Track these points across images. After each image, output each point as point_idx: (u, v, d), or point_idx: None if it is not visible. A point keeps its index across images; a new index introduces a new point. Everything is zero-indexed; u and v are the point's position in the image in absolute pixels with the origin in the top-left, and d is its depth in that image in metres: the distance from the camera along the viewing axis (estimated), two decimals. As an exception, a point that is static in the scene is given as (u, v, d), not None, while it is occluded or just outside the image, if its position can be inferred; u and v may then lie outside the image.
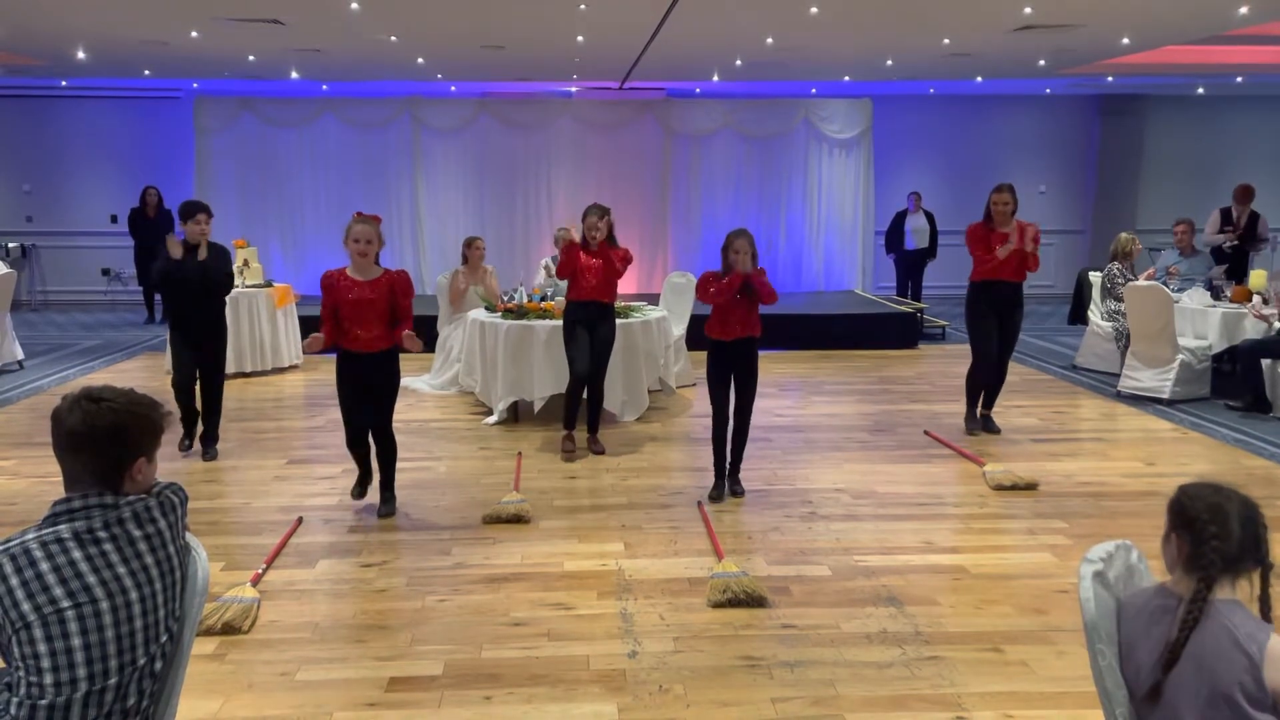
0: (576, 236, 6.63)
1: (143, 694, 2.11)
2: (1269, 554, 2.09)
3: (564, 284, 7.05)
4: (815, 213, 14.02)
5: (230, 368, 7.63)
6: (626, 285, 11.87)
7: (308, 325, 9.68)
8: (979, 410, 7.16)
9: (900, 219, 12.88)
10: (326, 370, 9.30)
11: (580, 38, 9.18)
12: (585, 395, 6.64)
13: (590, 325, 6.49)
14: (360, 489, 5.41)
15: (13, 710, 1.97)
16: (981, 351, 6.99)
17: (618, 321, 6.91)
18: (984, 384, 7.08)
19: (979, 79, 12.54)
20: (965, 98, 14.20)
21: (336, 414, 5.53)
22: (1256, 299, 7.98)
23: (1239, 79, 12.55)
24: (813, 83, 13.29)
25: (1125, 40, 9.33)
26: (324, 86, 13.24)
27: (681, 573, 4.53)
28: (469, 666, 3.66)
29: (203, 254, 6.23)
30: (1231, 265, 9.83)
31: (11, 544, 2.01)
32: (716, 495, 5.60)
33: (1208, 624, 2.05)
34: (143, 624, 2.08)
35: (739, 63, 10.89)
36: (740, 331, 5.49)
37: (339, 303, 5.03)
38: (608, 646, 3.80)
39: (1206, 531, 2.08)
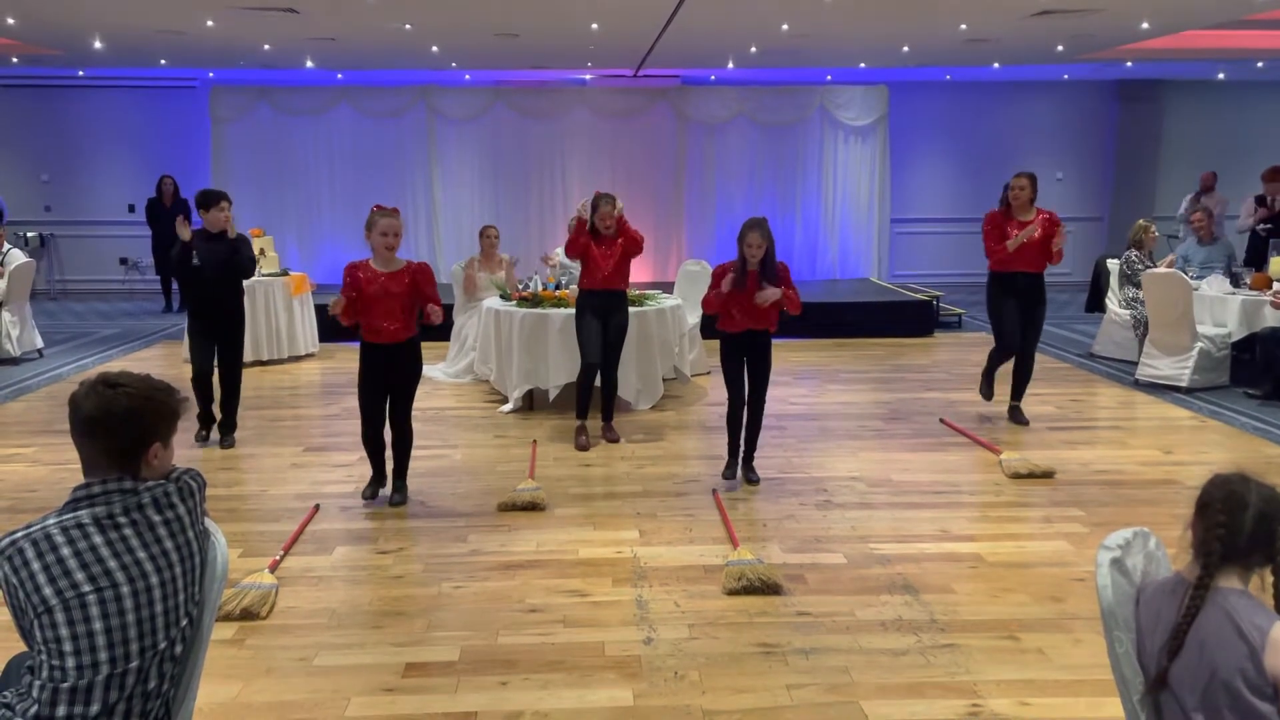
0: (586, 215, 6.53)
1: (163, 677, 2.13)
2: None
3: (577, 272, 7.04)
4: (831, 200, 13.96)
5: (247, 356, 7.66)
6: (640, 273, 11.90)
7: (324, 314, 9.72)
8: (1006, 400, 7.06)
9: None
10: (343, 358, 9.36)
11: (595, 25, 9.16)
12: (599, 384, 6.65)
13: (604, 314, 6.49)
14: (373, 489, 5.38)
15: (35, 693, 1.99)
16: (1006, 336, 6.81)
17: (631, 310, 6.91)
18: (1005, 362, 6.97)
19: (996, 65, 12.44)
20: (982, 84, 14.09)
21: (353, 402, 5.56)
22: (1277, 285, 7.90)
23: (1260, 64, 12.40)
24: (828, 69, 13.22)
25: (1145, 25, 9.24)
26: (339, 75, 13.26)
27: (696, 560, 4.53)
28: (485, 652, 3.67)
29: (232, 233, 6.30)
30: (1252, 252, 9.74)
31: (32, 529, 2.03)
32: (730, 474, 5.66)
33: (1211, 611, 2.04)
34: (163, 608, 2.10)
35: (754, 50, 10.84)
36: (743, 324, 5.49)
37: (361, 294, 5.06)
38: (623, 633, 3.82)
39: (1215, 519, 2.06)
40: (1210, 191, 11.74)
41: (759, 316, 5.48)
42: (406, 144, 13.56)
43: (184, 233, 6.22)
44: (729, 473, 5.70)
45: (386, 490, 5.43)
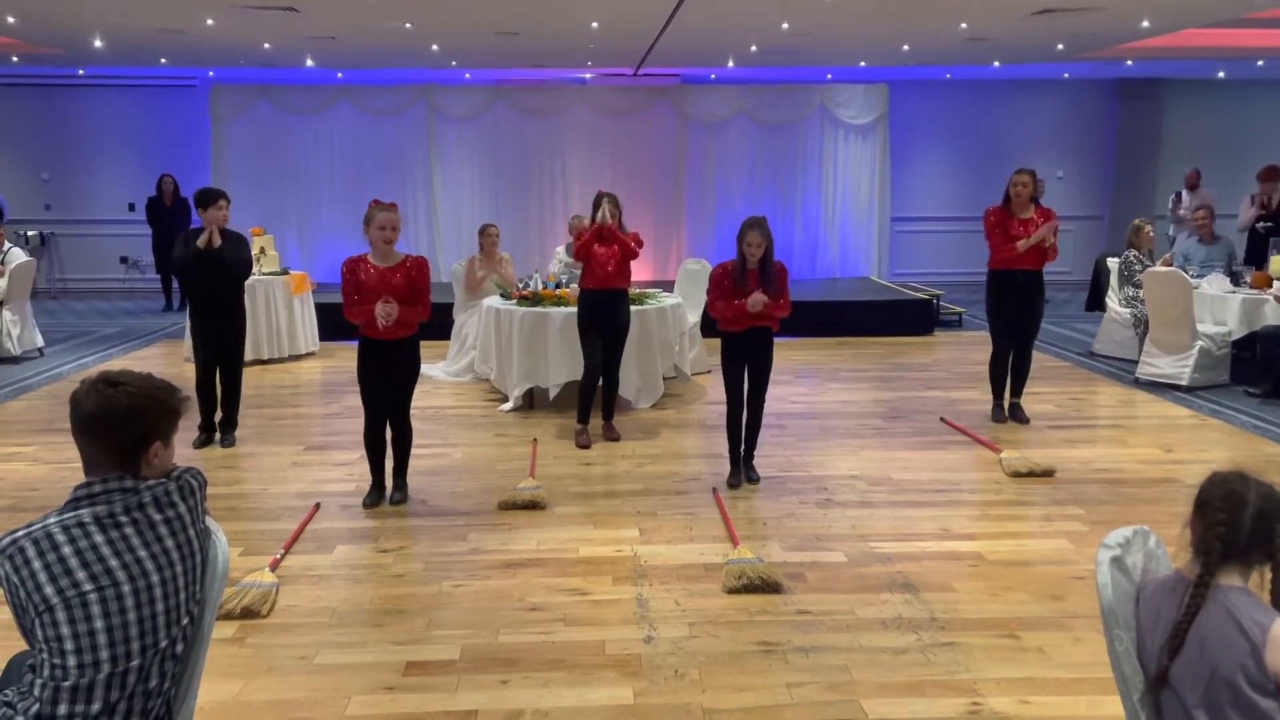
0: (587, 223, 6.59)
1: (164, 676, 2.14)
2: None
3: (579, 271, 7.05)
4: (831, 199, 13.96)
5: (247, 355, 7.64)
6: (641, 272, 11.88)
7: (324, 312, 9.73)
8: (1006, 400, 7.04)
9: None
10: (343, 357, 9.36)
11: (595, 24, 9.15)
12: (600, 384, 6.65)
13: (605, 313, 6.49)
14: (373, 498, 5.33)
15: (36, 691, 1.99)
16: (1002, 340, 6.90)
17: (632, 309, 6.92)
18: (1006, 373, 6.98)
19: (996, 64, 12.44)
20: (983, 82, 14.09)
21: (354, 401, 5.56)
22: (1277, 284, 7.90)
23: (1260, 63, 12.40)
24: (828, 68, 13.22)
25: (1145, 23, 9.23)
26: (339, 74, 13.25)
27: (697, 558, 4.53)
28: (485, 651, 3.68)
29: (216, 240, 6.28)
30: (1252, 251, 9.76)
31: (34, 528, 2.03)
32: (734, 483, 5.61)
33: (1212, 609, 2.04)
34: (164, 607, 2.10)
35: (754, 48, 10.84)
36: (745, 322, 5.48)
37: (360, 288, 5.06)
38: (623, 632, 3.82)
39: (1215, 518, 2.07)
40: (1195, 189, 11.91)
41: (761, 315, 5.48)
42: (406, 142, 13.56)
43: (216, 239, 6.19)
44: (734, 480, 5.62)
45: (386, 497, 5.41)
